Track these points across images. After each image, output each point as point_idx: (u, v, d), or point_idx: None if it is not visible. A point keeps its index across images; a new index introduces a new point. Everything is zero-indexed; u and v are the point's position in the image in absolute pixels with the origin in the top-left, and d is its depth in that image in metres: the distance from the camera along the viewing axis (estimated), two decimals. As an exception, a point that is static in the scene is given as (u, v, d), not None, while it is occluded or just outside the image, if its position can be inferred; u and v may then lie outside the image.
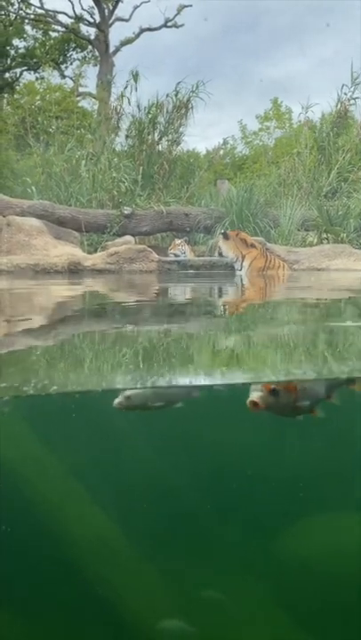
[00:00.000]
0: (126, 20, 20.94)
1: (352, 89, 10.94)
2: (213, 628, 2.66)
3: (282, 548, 2.59)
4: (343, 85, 10.95)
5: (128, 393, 2.33)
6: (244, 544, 2.57)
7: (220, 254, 7.36)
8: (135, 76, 11.14)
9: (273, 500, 2.54)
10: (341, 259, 7.67)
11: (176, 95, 10.84)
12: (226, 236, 7.33)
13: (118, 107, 11.48)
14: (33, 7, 20.94)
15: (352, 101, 11.01)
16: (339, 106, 11.06)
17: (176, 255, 8.19)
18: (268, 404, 1.99)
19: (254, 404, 1.97)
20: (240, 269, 7.24)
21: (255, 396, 1.98)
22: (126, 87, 11.21)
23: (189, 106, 10.89)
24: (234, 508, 2.57)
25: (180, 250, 8.32)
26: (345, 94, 11.01)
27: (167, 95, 10.82)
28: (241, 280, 6.80)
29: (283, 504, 2.54)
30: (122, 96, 11.35)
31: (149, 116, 10.79)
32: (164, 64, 25.27)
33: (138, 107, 10.93)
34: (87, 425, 2.47)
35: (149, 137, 10.80)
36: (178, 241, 8.56)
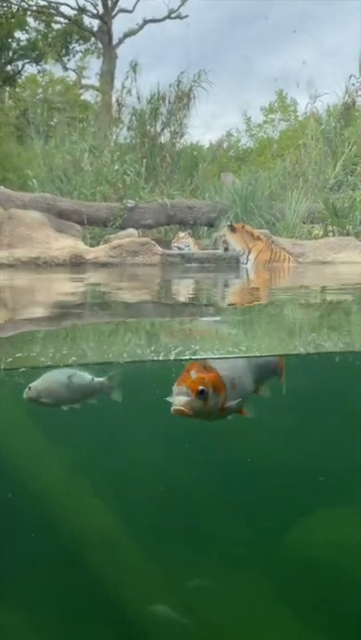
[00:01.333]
0: (130, 12, 20.67)
1: (360, 79, 10.78)
2: (213, 621, 2.64)
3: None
4: (351, 76, 10.79)
5: (32, 384, 2.38)
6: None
7: (227, 248, 7.25)
8: (134, 68, 11.01)
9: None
10: (347, 251, 7.58)
11: (178, 85, 10.70)
12: (233, 229, 7.23)
13: (119, 98, 11.36)
14: (35, -2, 20.72)
15: (360, 92, 10.84)
16: (346, 97, 10.89)
17: (180, 248, 8.09)
18: (196, 409, 1.66)
19: (180, 412, 1.64)
20: (246, 262, 7.13)
21: (181, 401, 1.64)
22: (127, 78, 11.08)
23: (191, 95, 10.74)
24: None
25: (184, 243, 8.20)
26: (353, 85, 10.85)
27: (170, 85, 10.70)
28: (247, 273, 6.70)
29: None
30: (122, 87, 11.23)
31: (149, 106, 10.65)
32: (168, 56, 24.98)
33: (138, 98, 10.81)
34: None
35: (151, 129, 10.67)
36: (182, 234, 8.45)
